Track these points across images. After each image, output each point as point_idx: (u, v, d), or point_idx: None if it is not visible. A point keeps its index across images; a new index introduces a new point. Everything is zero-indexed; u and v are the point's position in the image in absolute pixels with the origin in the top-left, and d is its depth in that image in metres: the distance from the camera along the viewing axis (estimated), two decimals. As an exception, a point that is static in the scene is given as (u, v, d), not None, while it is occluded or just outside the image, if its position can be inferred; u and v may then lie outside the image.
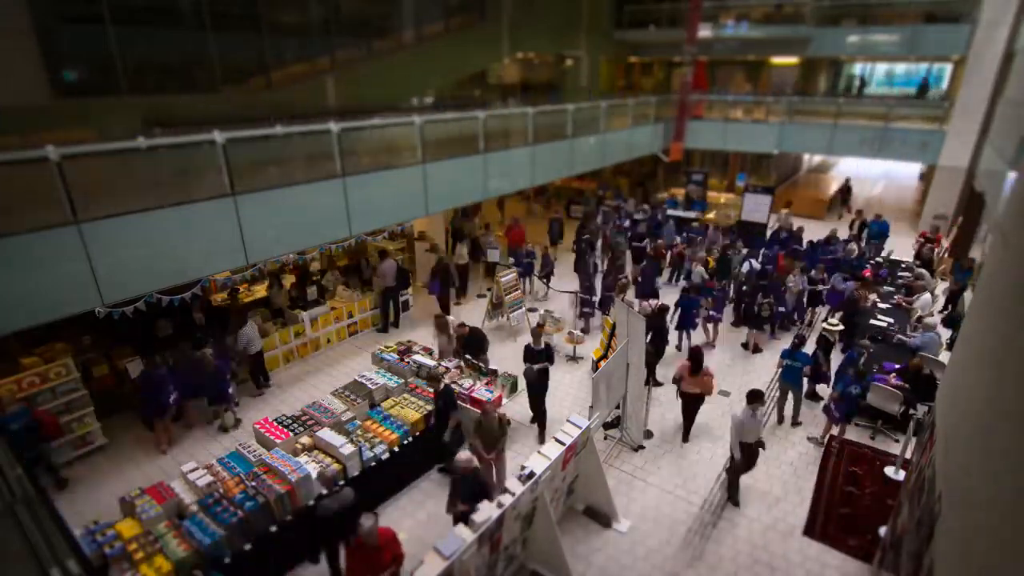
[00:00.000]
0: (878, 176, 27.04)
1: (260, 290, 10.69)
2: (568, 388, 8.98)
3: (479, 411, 6.62)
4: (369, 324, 11.05)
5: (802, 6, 18.15)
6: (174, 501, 5.40)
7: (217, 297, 10.20)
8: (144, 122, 8.77)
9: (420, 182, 9.44)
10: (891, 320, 9.85)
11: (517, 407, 8.32)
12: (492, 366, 8.40)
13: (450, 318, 8.92)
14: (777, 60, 20.80)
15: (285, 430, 6.45)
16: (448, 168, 9.94)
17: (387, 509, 6.52)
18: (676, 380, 7.46)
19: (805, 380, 7.88)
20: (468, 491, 5.14)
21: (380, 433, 6.59)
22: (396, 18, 13.96)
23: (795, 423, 8.04)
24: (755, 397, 6.31)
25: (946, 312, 10.89)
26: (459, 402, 7.45)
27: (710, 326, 10.32)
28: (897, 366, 8.11)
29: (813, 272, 10.92)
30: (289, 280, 11.31)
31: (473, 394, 7.38)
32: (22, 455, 6.28)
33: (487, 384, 7.75)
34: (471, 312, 11.83)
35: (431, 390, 7.34)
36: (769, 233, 14.89)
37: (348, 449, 6.06)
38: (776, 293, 10.08)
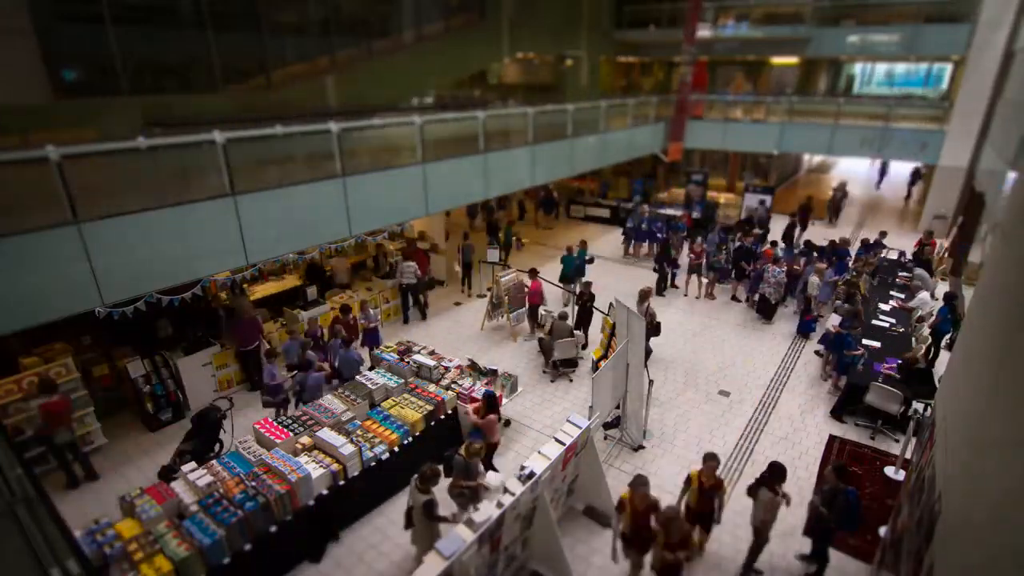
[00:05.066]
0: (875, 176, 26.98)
1: (263, 289, 10.64)
2: (568, 388, 8.98)
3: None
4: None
5: (802, 6, 18.17)
6: (174, 501, 5.40)
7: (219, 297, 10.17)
8: (144, 122, 8.79)
9: (420, 182, 9.44)
10: (892, 320, 9.91)
11: (517, 407, 8.33)
12: (492, 366, 8.39)
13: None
14: (777, 60, 20.79)
15: (285, 430, 6.44)
16: (448, 168, 9.95)
17: (387, 509, 6.52)
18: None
19: None
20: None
21: (380, 433, 6.58)
22: (396, 18, 13.98)
23: None
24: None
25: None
26: (459, 403, 7.47)
27: None
28: (898, 361, 8.13)
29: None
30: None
31: (473, 394, 7.38)
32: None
33: (487, 384, 7.74)
34: (471, 312, 11.84)
35: (431, 390, 7.36)
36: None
37: (348, 449, 6.06)
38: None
